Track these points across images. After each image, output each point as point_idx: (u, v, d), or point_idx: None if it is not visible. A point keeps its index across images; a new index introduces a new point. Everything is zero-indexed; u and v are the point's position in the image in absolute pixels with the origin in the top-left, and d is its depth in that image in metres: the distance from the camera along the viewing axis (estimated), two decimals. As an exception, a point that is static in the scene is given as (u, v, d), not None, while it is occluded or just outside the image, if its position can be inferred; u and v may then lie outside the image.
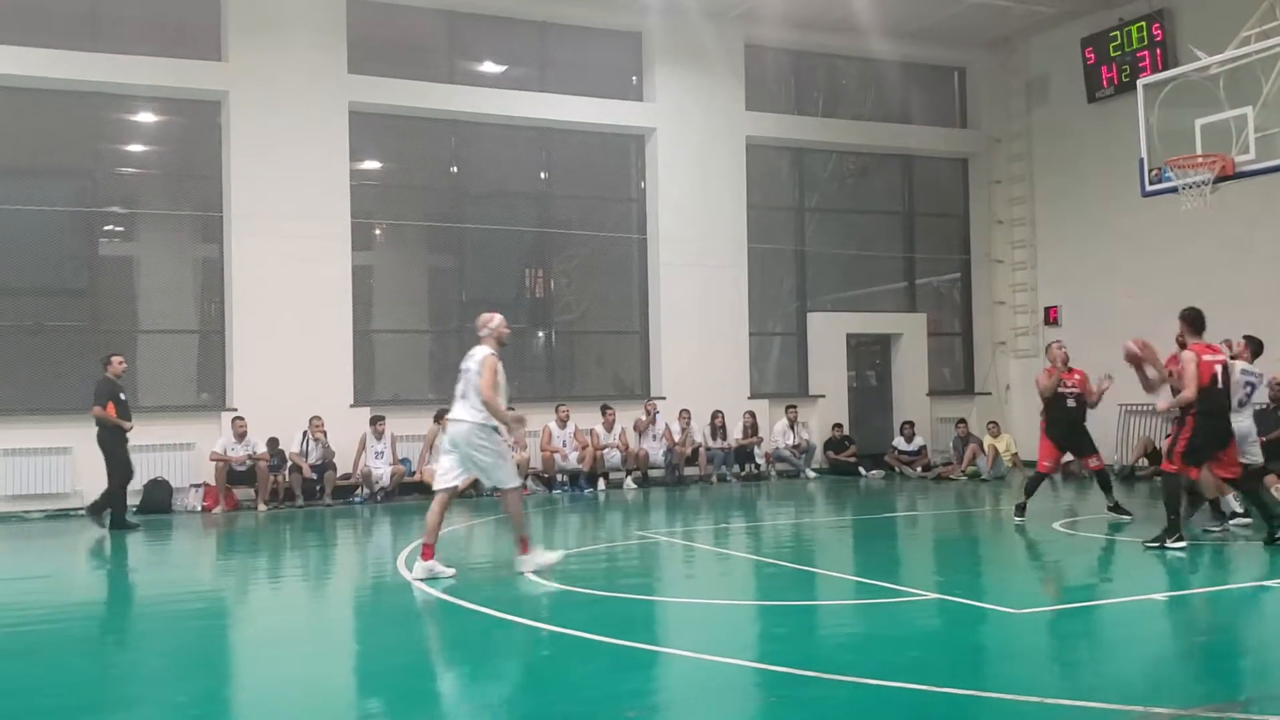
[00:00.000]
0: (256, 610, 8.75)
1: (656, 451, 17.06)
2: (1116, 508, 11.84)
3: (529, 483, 15.47)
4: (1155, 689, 5.63)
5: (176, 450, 14.86)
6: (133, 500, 13.52)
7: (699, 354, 17.95)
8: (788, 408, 18.23)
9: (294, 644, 7.16)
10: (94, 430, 12.83)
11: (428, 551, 8.61)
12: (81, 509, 14.04)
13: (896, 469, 18.24)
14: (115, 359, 13.04)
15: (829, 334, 19.18)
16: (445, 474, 8.71)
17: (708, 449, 17.43)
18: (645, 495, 15.99)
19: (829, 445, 18.49)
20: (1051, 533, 11.05)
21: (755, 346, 18.83)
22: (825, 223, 20.09)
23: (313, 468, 15.13)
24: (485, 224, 17.47)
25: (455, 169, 17.54)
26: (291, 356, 15.34)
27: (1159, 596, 8.04)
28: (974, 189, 20.66)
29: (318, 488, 15.16)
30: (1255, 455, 10.88)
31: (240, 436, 14.78)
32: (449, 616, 7.73)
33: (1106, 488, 12.10)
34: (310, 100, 15.85)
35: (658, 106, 18.17)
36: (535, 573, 8.64)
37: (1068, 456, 12.59)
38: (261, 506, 14.56)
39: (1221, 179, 12.22)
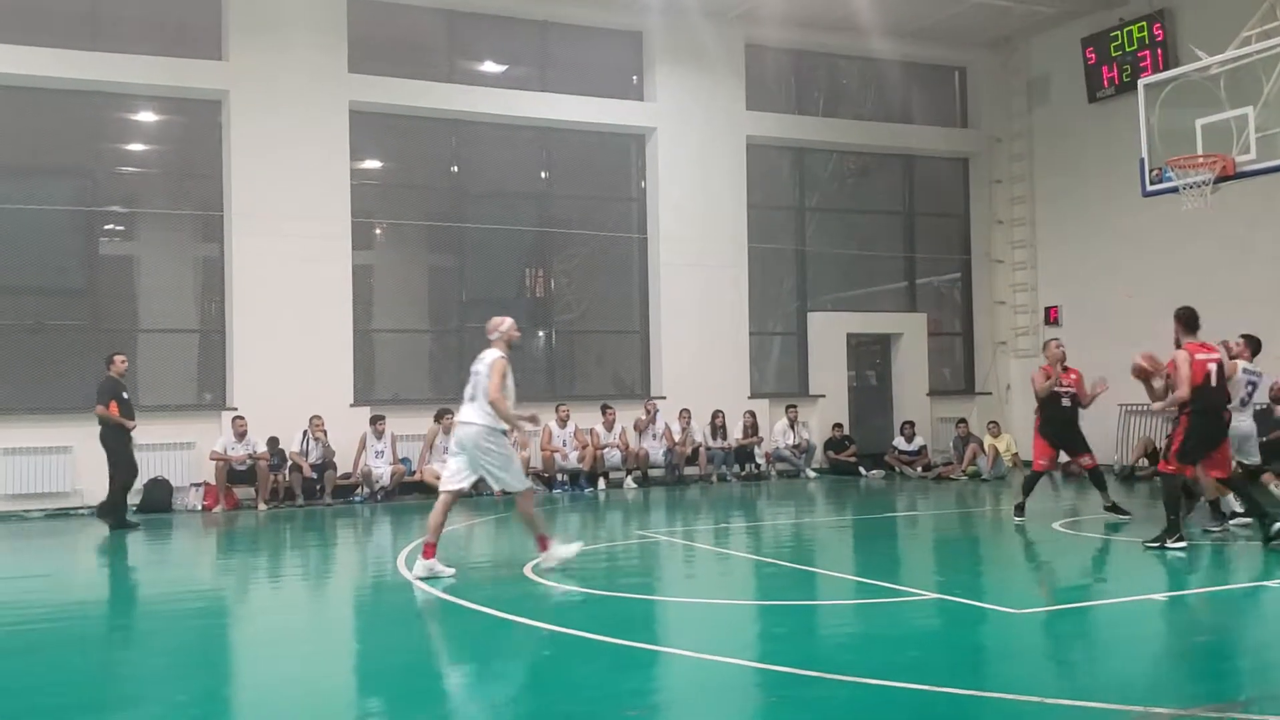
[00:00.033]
0: (257, 609, 8.75)
1: (657, 451, 17.06)
2: (1114, 507, 11.83)
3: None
4: (1155, 689, 5.63)
5: (176, 449, 14.85)
6: (133, 499, 13.51)
7: (699, 354, 17.95)
8: (788, 407, 18.23)
9: (294, 643, 7.16)
10: (95, 429, 12.83)
11: (429, 550, 8.64)
12: (81, 508, 14.08)
13: (897, 469, 18.24)
14: (118, 358, 13.06)
15: (829, 334, 19.18)
16: (453, 476, 8.76)
17: (708, 449, 17.43)
18: (645, 495, 15.99)
19: (829, 445, 18.49)
20: (1052, 533, 11.05)
21: (755, 346, 18.83)
22: (826, 222, 20.09)
23: (313, 467, 15.14)
24: (485, 223, 17.47)
25: (455, 168, 17.54)
26: (292, 356, 15.35)
27: (1159, 596, 8.05)
28: (974, 189, 20.66)
29: (318, 487, 15.16)
30: (1255, 456, 10.88)
31: (240, 436, 14.78)
32: (449, 616, 7.73)
33: (1101, 486, 12.08)
34: (310, 100, 15.85)
35: (658, 106, 18.16)
36: (556, 567, 8.80)
37: (1063, 456, 12.56)
38: (262, 506, 14.56)
39: (1222, 179, 12.21)
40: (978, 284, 20.64)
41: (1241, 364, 10.63)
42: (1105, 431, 17.50)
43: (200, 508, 14.60)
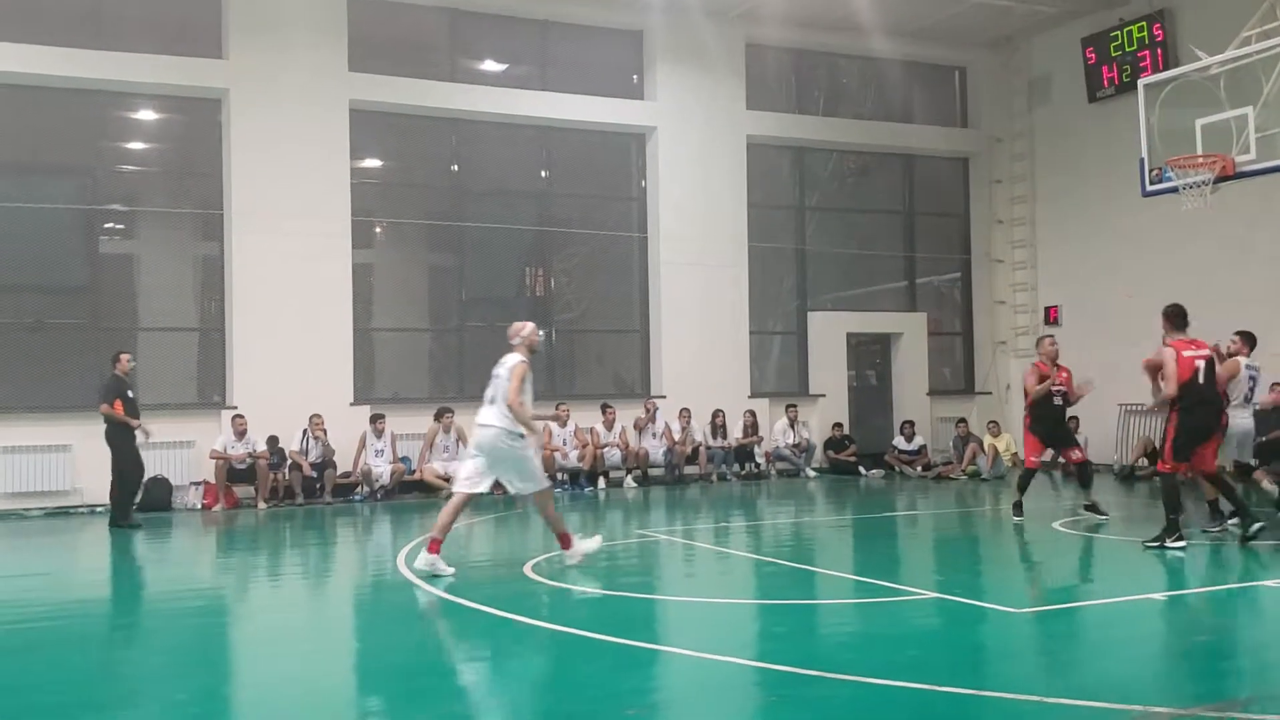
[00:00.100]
0: (256, 608, 8.75)
1: (657, 450, 17.06)
2: (1093, 506, 11.76)
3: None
4: (1155, 688, 5.64)
5: (176, 448, 14.83)
6: (133, 498, 13.51)
7: (699, 353, 17.95)
8: (788, 407, 18.23)
9: (294, 642, 7.16)
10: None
11: (434, 546, 8.67)
12: (81, 507, 14.07)
13: (896, 468, 18.24)
14: (124, 356, 13.08)
15: (829, 333, 19.18)
16: (469, 478, 8.83)
17: (708, 448, 17.43)
18: (645, 494, 15.98)
19: (829, 444, 18.48)
20: (1051, 532, 11.05)
21: (755, 345, 18.82)
22: (826, 222, 20.09)
23: (313, 466, 15.13)
24: (486, 222, 17.46)
25: (456, 167, 17.53)
26: (292, 354, 15.35)
27: (1158, 596, 8.06)
28: (975, 188, 20.65)
29: (318, 486, 15.15)
30: (1249, 456, 10.87)
31: (240, 434, 14.78)
32: (449, 615, 7.74)
33: (1087, 483, 12.04)
34: (311, 98, 15.85)
35: (658, 105, 18.16)
36: (581, 563, 9.01)
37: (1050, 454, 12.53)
38: (261, 504, 14.56)
39: (1222, 179, 12.21)
40: (978, 284, 20.63)
41: (1242, 360, 10.62)
42: (1105, 431, 17.54)
43: (200, 506, 14.60)
